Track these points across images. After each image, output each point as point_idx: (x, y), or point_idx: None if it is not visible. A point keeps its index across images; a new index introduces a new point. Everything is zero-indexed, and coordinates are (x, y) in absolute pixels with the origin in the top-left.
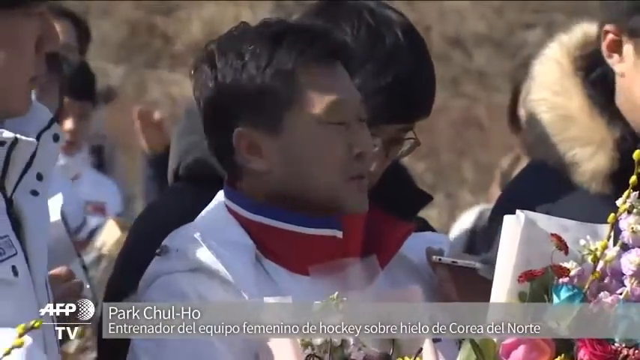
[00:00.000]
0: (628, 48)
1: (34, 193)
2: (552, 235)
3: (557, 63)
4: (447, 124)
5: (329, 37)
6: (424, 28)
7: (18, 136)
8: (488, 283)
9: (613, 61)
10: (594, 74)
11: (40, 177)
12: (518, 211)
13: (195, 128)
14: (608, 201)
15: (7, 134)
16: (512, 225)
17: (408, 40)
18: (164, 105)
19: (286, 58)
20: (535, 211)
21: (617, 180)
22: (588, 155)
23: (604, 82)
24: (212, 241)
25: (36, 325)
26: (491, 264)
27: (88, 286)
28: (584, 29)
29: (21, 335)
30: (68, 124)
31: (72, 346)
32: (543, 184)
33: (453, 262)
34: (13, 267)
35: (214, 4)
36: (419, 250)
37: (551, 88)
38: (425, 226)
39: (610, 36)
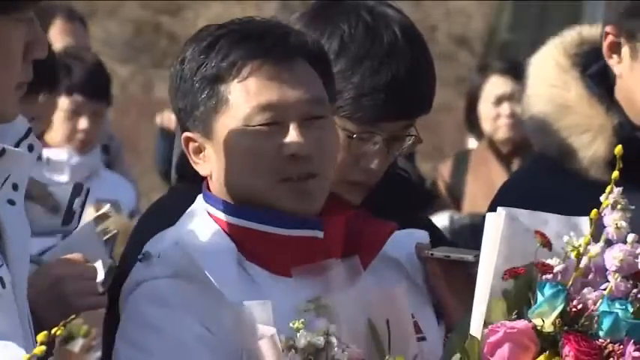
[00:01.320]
0: (625, 50)
1: (11, 202)
2: (536, 231)
3: (554, 60)
4: (452, 123)
5: (265, 37)
6: (430, 28)
7: (6, 146)
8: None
9: (613, 62)
10: (592, 69)
11: (15, 187)
12: (499, 208)
13: None
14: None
15: None
16: (494, 222)
17: (407, 37)
18: (170, 105)
19: (213, 62)
20: (536, 204)
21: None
22: (587, 142)
23: (602, 76)
24: (193, 245)
25: (58, 332)
26: (479, 257)
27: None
28: (579, 30)
29: (42, 343)
30: (82, 123)
31: (77, 346)
32: (542, 174)
33: (446, 256)
34: (1, 278)
35: (220, 4)
36: (401, 247)
37: (549, 81)
38: (429, 225)
39: (610, 37)
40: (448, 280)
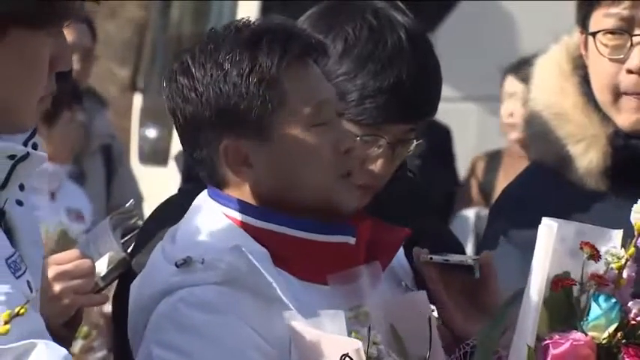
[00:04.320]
0: (590, 42)
1: (19, 203)
2: (585, 243)
3: (556, 62)
4: None
5: (302, 36)
6: None
7: (30, 150)
8: (477, 282)
9: (586, 60)
10: None
11: (22, 187)
12: (546, 219)
13: None
14: (604, 197)
15: (20, 148)
16: (547, 233)
17: (411, 41)
18: None
19: (268, 62)
20: (533, 209)
21: (612, 176)
22: (581, 152)
23: None
24: (238, 250)
25: (21, 311)
26: (478, 261)
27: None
28: None
29: (7, 322)
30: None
31: (77, 346)
32: (541, 182)
33: (445, 260)
34: (28, 282)
35: None
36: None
37: (547, 87)
38: (446, 232)
39: (582, 36)
40: (445, 285)
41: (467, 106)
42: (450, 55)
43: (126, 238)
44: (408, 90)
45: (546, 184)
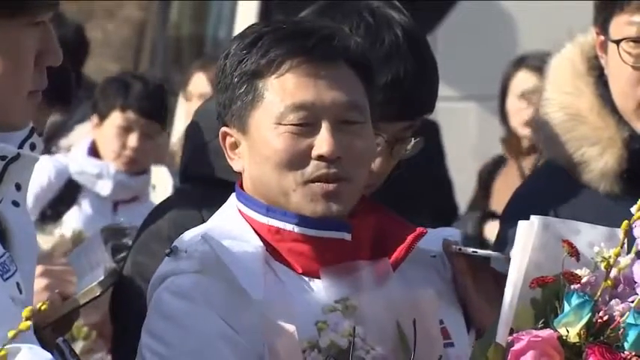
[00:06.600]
0: (611, 48)
1: (15, 204)
2: (564, 241)
3: (571, 62)
4: None
5: (309, 36)
6: None
7: (21, 151)
8: (504, 277)
9: (603, 62)
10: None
11: (18, 187)
12: (532, 217)
13: (203, 129)
14: (618, 200)
15: (10, 149)
16: (526, 230)
17: (408, 39)
18: None
19: (254, 58)
20: (546, 211)
21: (627, 179)
22: (596, 154)
23: None
24: (220, 242)
25: (42, 307)
26: (507, 257)
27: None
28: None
29: (28, 319)
30: (132, 140)
31: (77, 348)
32: (554, 183)
33: (474, 251)
34: (18, 284)
35: None
36: (432, 244)
37: (562, 87)
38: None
39: (599, 37)
40: (474, 278)
41: (467, 106)
42: (450, 54)
43: (118, 257)
44: (406, 88)
45: (559, 186)
